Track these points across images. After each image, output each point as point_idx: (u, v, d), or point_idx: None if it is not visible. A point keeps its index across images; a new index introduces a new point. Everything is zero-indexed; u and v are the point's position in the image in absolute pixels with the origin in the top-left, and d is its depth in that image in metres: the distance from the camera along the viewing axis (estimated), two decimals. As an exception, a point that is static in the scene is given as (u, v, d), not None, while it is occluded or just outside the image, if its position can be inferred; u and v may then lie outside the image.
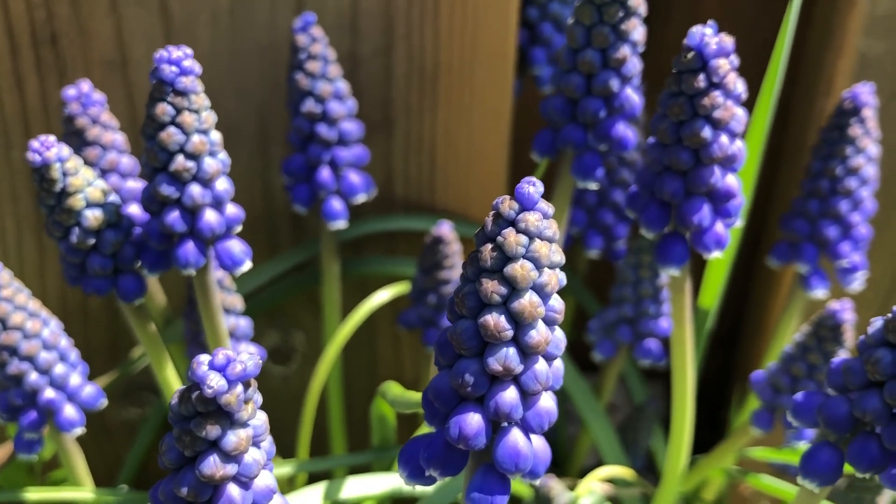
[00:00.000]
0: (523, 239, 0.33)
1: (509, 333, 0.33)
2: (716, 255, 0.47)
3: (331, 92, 0.59)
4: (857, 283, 0.69)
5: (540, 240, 0.33)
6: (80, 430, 0.56)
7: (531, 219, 0.33)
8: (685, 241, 0.48)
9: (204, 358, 0.32)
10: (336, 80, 0.60)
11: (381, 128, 0.69)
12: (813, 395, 0.42)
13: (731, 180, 0.46)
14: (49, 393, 0.55)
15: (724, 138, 0.43)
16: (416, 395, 0.46)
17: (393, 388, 0.49)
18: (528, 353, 0.34)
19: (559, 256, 0.34)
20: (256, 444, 0.34)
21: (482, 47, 0.66)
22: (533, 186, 0.33)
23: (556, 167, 0.58)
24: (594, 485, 0.67)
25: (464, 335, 0.34)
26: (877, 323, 0.38)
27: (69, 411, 0.56)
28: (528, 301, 0.33)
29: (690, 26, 0.42)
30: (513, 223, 0.33)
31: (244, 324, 0.59)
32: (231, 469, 0.33)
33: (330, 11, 0.63)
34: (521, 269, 0.33)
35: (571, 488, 0.67)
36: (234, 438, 0.33)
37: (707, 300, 0.67)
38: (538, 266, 0.33)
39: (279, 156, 0.68)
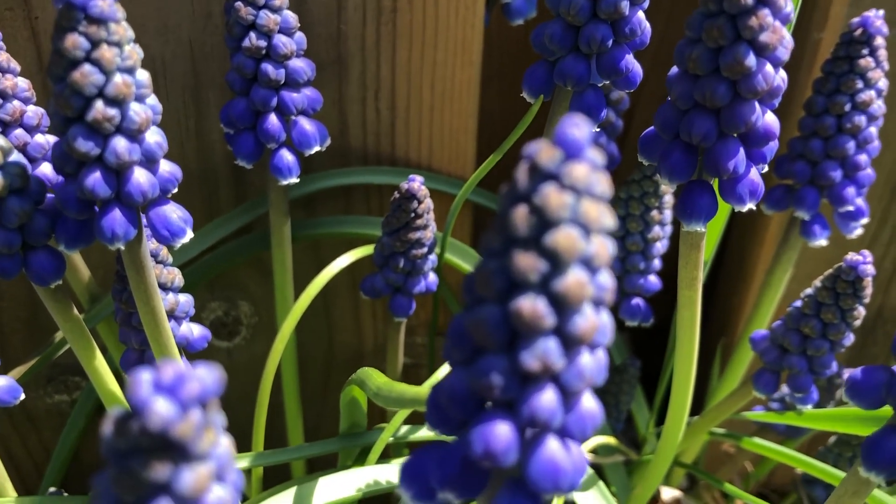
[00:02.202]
0: (568, 198, 0.25)
1: (550, 321, 0.26)
2: (750, 206, 0.40)
3: (277, 23, 0.50)
4: (858, 229, 0.63)
5: (589, 199, 0.25)
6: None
7: (579, 172, 0.25)
8: (713, 190, 0.41)
9: (146, 377, 0.23)
10: (282, 10, 0.50)
11: (333, 68, 0.59)
12: (875, 371, 0.36)
13: (771, 118, 0.39)
14: (-48, 393, 0.45)
15: (768, 67, 0.36)
16: (409, 390, 0.38)
17: (374, 378, 0.41)
18: (571, 346, 0.26)
19: (610, 219, 0.26)
20: (221, 479, 0.26)
21: (447, -28, 0.58)
22: (579, 129, 0.25)
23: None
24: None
25: (489, 324, 0.26)
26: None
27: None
28: (574, 280, 0.25)
29: None
30: (555, 177, 0.25)
31: (185, 300, 0.50)
32: (191, 513, 0.25)
33: (270, -71, 0.54)
34: (565, 238, 0.25)
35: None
36: (191, 477, 0.24)
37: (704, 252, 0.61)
38: (587, 233, 0.26)
39: (216, 102, 0.59)
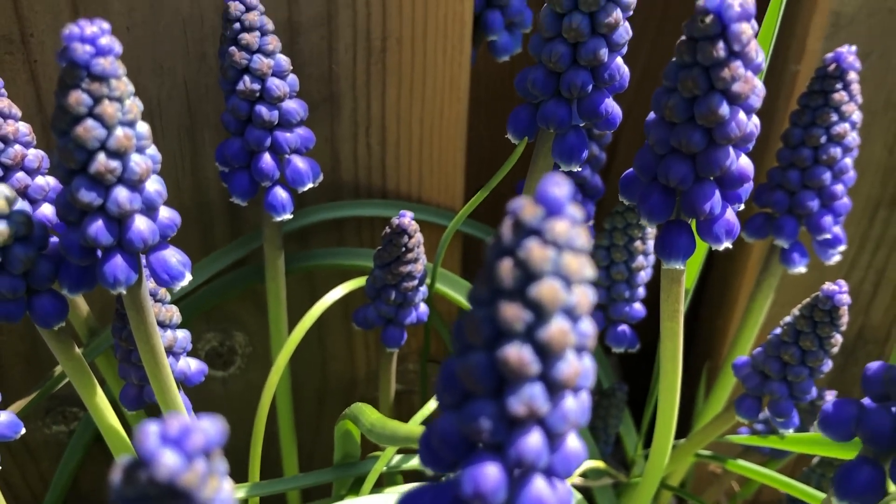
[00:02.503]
0: (550, 253, 0.27)
1: (535, 368, 0.27)
2: (726, 245, 0.42)
3: (270, 67, 0.52)
4: (836, 256, 0.65)
5: (570, 252, 0.27)
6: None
7: (560, 228, 0.27)
8: (691, 230, 0.42)
9: (153, 429, 0.25)
10: (275, 54, 0.52)
11: (325, 106, 0.61)
12: (846, 404, 0.37)
13: (745, 162, 0.41)
14: (-45, 431, 0.47)
15: (741, 115, 0.38)
16: (401, 428, 0.40)
17: (368, 414, 0.42)
18: (555, 390, 0.28)
19: (590, 271, 0.28)
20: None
21: (434, 13, 0.59)
22: (559, 187, 0.27)
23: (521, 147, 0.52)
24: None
25: (477, 371, 0.28)
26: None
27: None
28: (557, 329, 0.27)
29: None
30: (538, 233, 0.27)
31: (182, 336, 0.52)
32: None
33: (263, -25, 0.55)
34: (548, 290, 0.27)
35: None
36: (198, 520, 0.26)
37: (686, 280, 0.63)
38: (568, 284, 0.27)
39: (211, 141, 0.60)
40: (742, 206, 0.44)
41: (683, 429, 0.88)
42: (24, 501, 0.75)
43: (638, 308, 0.66)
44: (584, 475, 0.69)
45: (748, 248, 0.79)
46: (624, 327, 0.66)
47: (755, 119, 0.39)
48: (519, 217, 0.27)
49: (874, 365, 0.37)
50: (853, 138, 0.61)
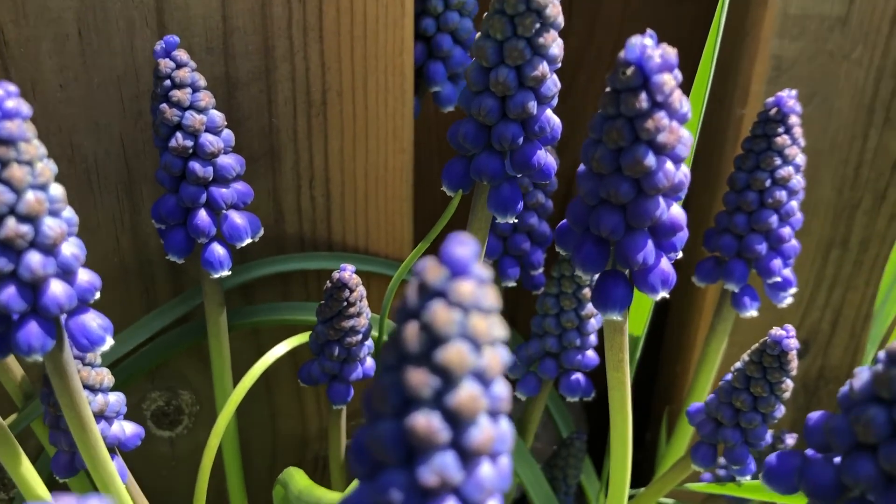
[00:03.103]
0: (456, 315, 0.26)
1: (445, 436, 0.26)
2: (662, 294, 0.41)
3: (203, 123, 0.51)
4: (788, 299, 0.65)
5: (477, 313, 0.26)
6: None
7: (465, 289, 0.26)
8: (626, 280, 0.42)
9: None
10: (208, 110, 0.51)
11: (266, 159, 0.60)
12: (789, 457, 0.36)
13: (677, 211, 0.40)
14: None
15: (669, 165, 0.37)
16: (326, 496, 0.39)
17: (297, 481, 0.41)
18: (469, 457, 0.27)
19: (501, 330, 0.27)
20: None
21: (375, 65, 0.59)
22: (464, 247, 0.26)
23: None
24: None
25: (386, 441, 0.27)
26: (863, 375, 0.33)
27: None
28: (466, 394, 0.26)
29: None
30: (442, 294, 0.26)
31: (114, 400, 0.50)
32: None
33: (197, 32, 0.55)
34: (456, 353, 0.26)
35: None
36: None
37: (635, 328, 0.62)
38: (477, 347, 0.26)
39: (149, 197, 0.59)
40: (679, 255, 0.43)
41: (648, 475, 0.87)
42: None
43: (591, 356, 0.65)
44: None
45: (703, 292, 0.78)
46: (578, 376, 0.65)
47: (684, 168, 0.39)
48: (423, 279, 0.26)
49: (815, 415, 0.36)
50: (798, 181, 0.61)
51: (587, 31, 0.78)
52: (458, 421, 0.27)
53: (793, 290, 0.64)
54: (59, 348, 0.40)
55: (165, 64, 0.49)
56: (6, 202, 0.35)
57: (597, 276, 0.43)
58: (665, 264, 0.41)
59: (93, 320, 0.40)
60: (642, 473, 0.90)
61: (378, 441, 0.27)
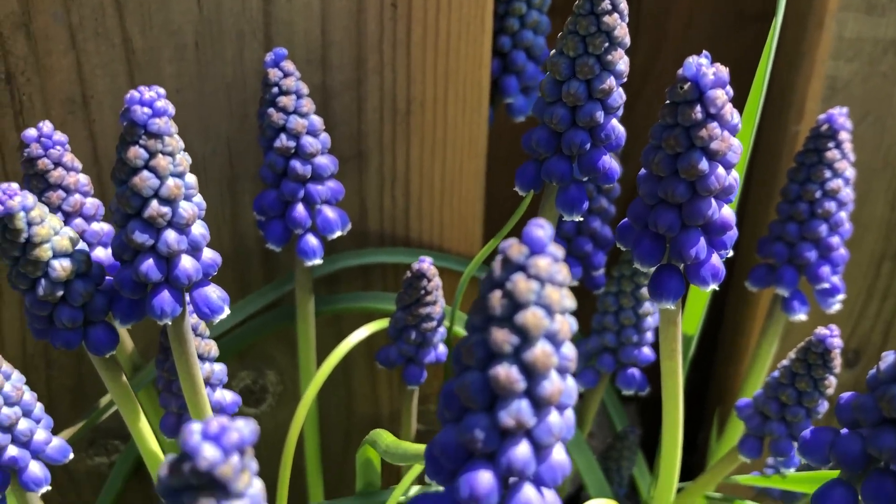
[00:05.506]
0: (534, 285, 0.31)
1: (521, 385, 0.32)
2: (712, 287, 0.46)
3: (304, 127, 0.57)
4: (836, 305, 0.69)
5: (551, 285, 0.32)
6: (45, 488, 0.53)
7: (542, 263, 0.31)
8: (680, 273, 0.47)
9: (196, 427, 0.29)
10: (309, 115, 0.58)
11: (354, 161, 0.67)
12: (822, 431, 0.41)
13: (727, 212, 0.45)
14: (12, 450, 0.51)
15: (720, 170, 0.42)
16: (412, 447, 0.44)
17: (384, 438, 0.46)
18: (540, 406, 0.32)
19: (570, 302, 0.32)
20: (254, 513, 0.32)
21: (455, 80, 0.65)
22: (542, 229, 0.31)
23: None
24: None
25: (472, 388, 0.32)
26: (889, 358, 0.37)
27: (34, 469, 0.53)
28: (540, 351, 0.31)
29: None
30: (523, 268, 0.31)
31: (219, 369, 0.56)
32: (227, 542, 0.31)
33: (299, 45, 0.61)
34: (532, 316, 0.31)
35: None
36: (230, 510, 0.30)
37: (689, 327, 0.67)
38: (550, 313, 0.32)
39: (248, 193, 0.66)
40: (730, 253, 0.48)
41: (698, 473, 0.91)
42: (66, 531, 0.79)
43: (647, 352, 0.70)
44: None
45: (756, 300, 0.82)
46: (633, 370, 0.70)
47: (734, 173, 0.44)
48: (507, 255, 0.32)
49: (846, 395, 0.41)
50: (847, 193, 0.65)
51: (653, 49, 0.83)
52: (532, 374, 0.32)
53: (841, 297, 0.68)
54: (182, 316, 0.46)
55: (274, 73, 0.56)
56: (152, 186, 0.41)
57: (653, 269, 0.48)
58: (716, 259, 0.46)
59: (213, 292, 0.46)
60: (693, 475, 0.93)
61: (465, 389, 0.32)
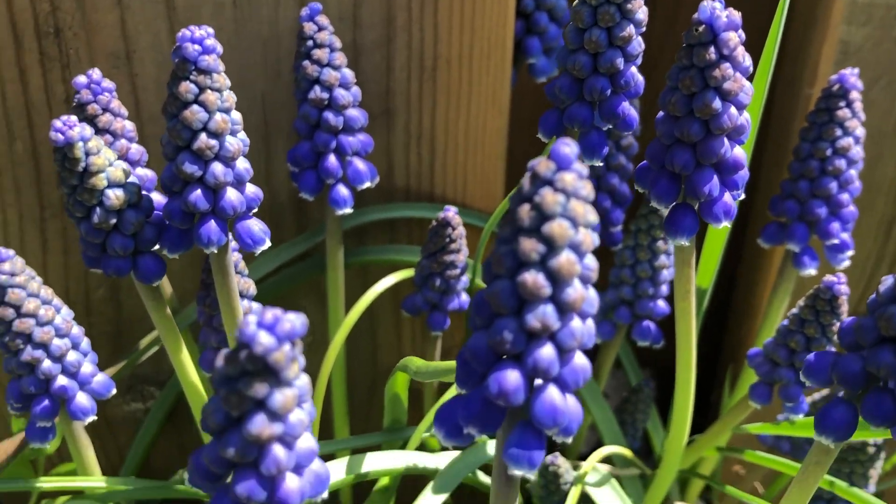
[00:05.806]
0: (560, 198, 0.34)
1: (547, 291, 0.34)
2: (724, 224, 0.49)
3: (337, 79, 0.60)
4: (846, 261, 0.71)
5: (576, 199, 0.34)
6: (91, 418, 0.57)
7: (568, 178, 0.34)
8: (695, 212, 0.49)
9: (252, 317, 0.32)
10: (342, 68, 0.61)
11: (382, 118, 0.70)
12: (825, 354, 0.44)
13: (739, 152, 0.48)
14: (62, 380, 0.55)
15: (733, 109, 0.45)
16: (442, 364, 0.47)
17: (415, 361, 0.50)
18: (564, 311, 0.35)
19: (594, 216, 0.35)
20: (300, 404, 0.35)
21: (480, 38, 0.68)
22: (569, 147, 0.34)
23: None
24: (598, 465, 0.68)
25: (502, 294, 0.35)
26: (888, 281, 0.40)
27: (81, 399, 0.56)
28: (565, 259, 0.34)
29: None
30: (550, 183, 0.34)
31: (256, 307, 0.60)
32: (277, 428, 0.34)
33: (332, 3, 0.64)
34: (558, 227, 0.34)
35: (575, 468, 0.68)
36: (280, 397, 0.33)
37: (703, 280, 0.69)
38: (575, 225, 0.34)
39: (281, 147, 0.69)
40: (742, 195, 0.51)
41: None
42: (101, 472, 0.83)
43: (662, 305, 0.73)
44: (611, 461, 0.75)
45: (769, 260, 0.85)
46: (649, 323, 0.73)
47: (746, 114, 0.46)
48: (535, 170, 0.35)
49: (847, 320, 0.43)
50: (857, 151, 0.67)
51: (669, 19, 0.85)
52: (558, 280, 0.35)
53: (850, 253, 0.70)
54: (226, 247, 0.50)
55: (309, 27, 0.59)
56: (201, 119, 0.44)
57: (669, 210, 0.50)
58: (728, 198, 0.48)
59: (255, 224, 0.49)
60: (704, 426, 0.96)
61: (495, 295, 0.35)
